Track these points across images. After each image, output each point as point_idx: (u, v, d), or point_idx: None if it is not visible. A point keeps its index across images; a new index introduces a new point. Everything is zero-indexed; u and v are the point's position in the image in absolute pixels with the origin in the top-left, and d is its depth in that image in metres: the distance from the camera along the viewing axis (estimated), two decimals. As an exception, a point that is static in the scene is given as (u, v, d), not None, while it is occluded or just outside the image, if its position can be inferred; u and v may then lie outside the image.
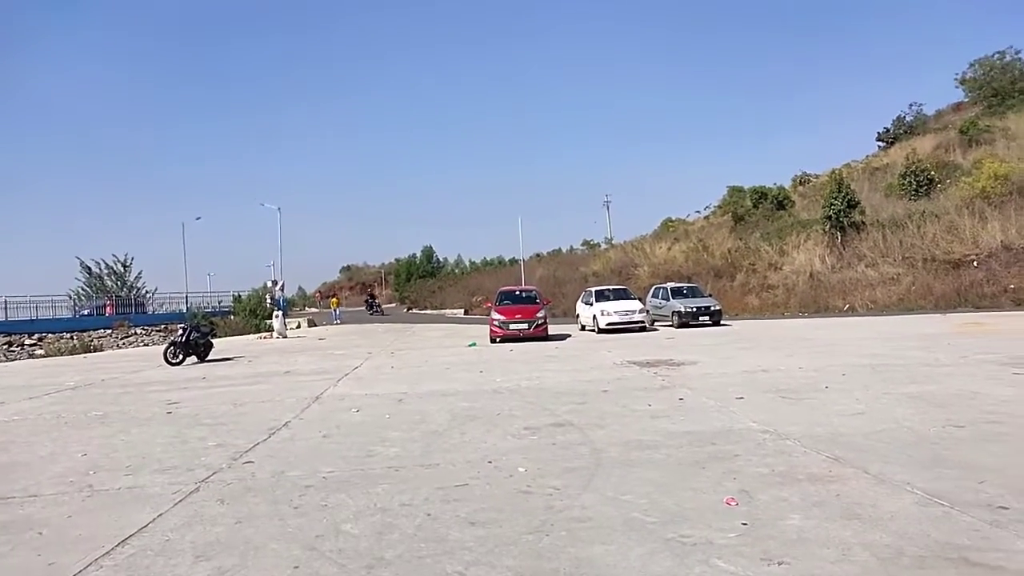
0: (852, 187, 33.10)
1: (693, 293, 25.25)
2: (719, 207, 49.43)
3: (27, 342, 36.64)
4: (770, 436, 6.18)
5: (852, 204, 31.02)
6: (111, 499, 5.12)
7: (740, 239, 37.67)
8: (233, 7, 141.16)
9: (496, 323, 20.27)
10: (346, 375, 12.79)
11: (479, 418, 7.75)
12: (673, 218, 55.86)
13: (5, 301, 39.37)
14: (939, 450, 5.43)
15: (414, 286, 72.04)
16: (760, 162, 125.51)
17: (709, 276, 34.80)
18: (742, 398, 8.21)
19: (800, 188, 45.43)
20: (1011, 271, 24.82)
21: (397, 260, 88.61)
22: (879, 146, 49.29)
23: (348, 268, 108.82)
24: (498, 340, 19.86)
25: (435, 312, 53.73)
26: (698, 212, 55.47)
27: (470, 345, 19.25)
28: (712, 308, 23.50)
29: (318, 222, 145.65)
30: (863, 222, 31.10)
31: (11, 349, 35.41)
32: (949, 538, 3.59)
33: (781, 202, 39.83)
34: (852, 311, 27.35)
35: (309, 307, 75.04)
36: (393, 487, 5.06)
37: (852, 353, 12.50)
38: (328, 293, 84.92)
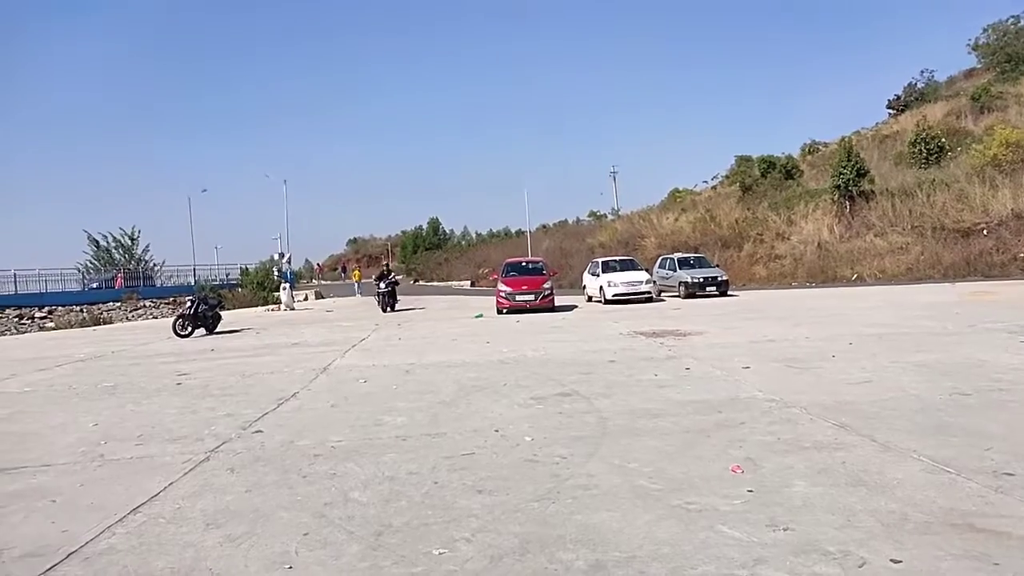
0: (861, 155, 32.75)
1: (700, 263, 25.16)
2: (727, 177, 49.05)
3: (37, 315, 36.95)
4: (776, 405, 6.19)
5: (861, 173, 30.72)
6: (122, 468, 5.18)
7: (748, 209, 37.43)
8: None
9: (502, 294, 20.26)
10: (353, 346, 12.84)
11: (486, 388, 7.78)
12: (680, 188, 55.43)
13: (15, 274, 39.64)
14: (945, 417, 5.43)
15: (421, 258, 72.20)
16: (769, 131, 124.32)
17: (716, 246, 34.67)
18: (748, 367, 8.21)
19: (809, 157, 44.98)
20: (1021, 239, 24.62)
21: (404, 232, 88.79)
22: (889, 113, 48.60)
23: (355, 240, 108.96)
24: (504, 311, 19.87)
25: (442, 284, 53.83)
26: (705, 182, 55.05)
27: (476, 316, 19.27)
28: (719, 278, 23.44)
29: (325, 194, 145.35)
30: (872, 191, 30.83)
31: (22, 322, 35.75)
32: (954, 504, 3.60)
33: (790, 171, 39.48)
34: (860, 281, 27.25)
35: (314, 279, 75.19)
36: (401, 456, 5.10)
37: (859, 322, 12.47)
38: (335, 266, 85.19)
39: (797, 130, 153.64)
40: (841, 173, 30.83)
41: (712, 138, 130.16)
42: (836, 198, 31.43)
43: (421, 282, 60.96)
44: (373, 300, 34.36)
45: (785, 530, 3.37)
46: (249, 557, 3.38)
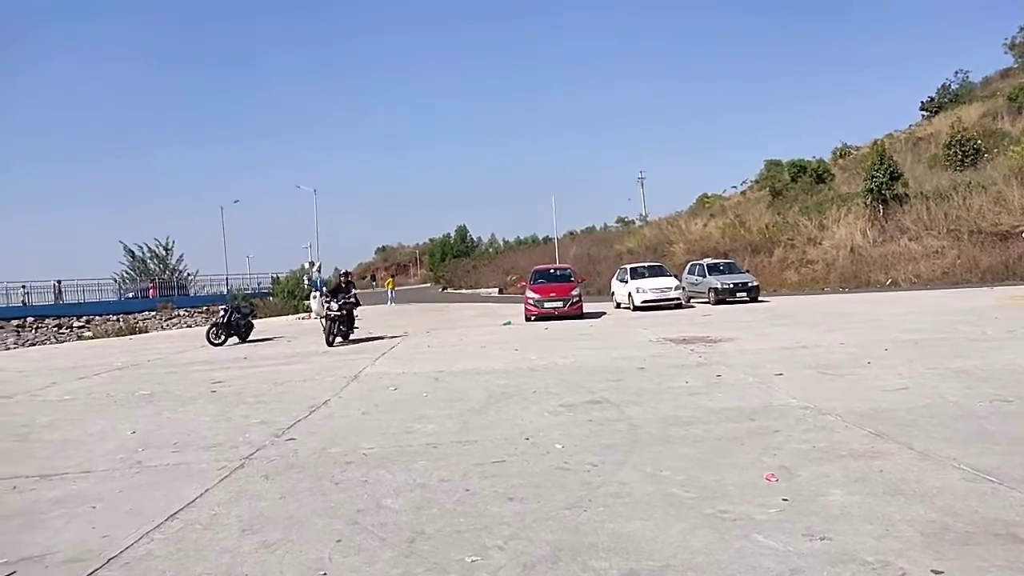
0: (895, 159, 32.21)
1: (730, 269, 24.92)
2: (756, 182, 48.70)
3: (75, 324, 37.94)
4: (810, 412, 6.10)
5: (895, 176, 30.20)
6: (160, 475, 5.27)
7: (778, 214, 37.02)
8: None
9: (531, 302, 20.27)
10: (383, 354, 12.93)
11: (515, 396, 7.78)
12: (709, 194, 55.16)
13: (55, 285, 40.64)
14: (986, 425, 5.30)
15: (449, 266, 72.53)
16: (799, 135, 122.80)
17: (746, 252, 34.31)
18: (781, 374, 8.11)
19: (840, 161, 44.41)
20: (1063, 242, 23.99)
21: (431, 240, 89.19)
22: (923, 115, 47.85)
23: (383, 249, 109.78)
24: (533, 319, 19.88)
25: (470, 292, 53.97)
26: (734, 187, 54.80)
27: (505, 324, 19.31)
28: (749, 284, 23.18)
29: (353, 203, 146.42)
30: (906, 194, 30.29)
31: (61, 331, 36.68)
32: (997, 514, 3.52)
33: (821, 175, 38.98)
34: (895, 286, 26.76)
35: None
36: (432, 463, 5.12)
37: (895, 328, 12.24)
38: (363, 275, 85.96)
39: (828, 133, 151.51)
40: (874, 176, 30.35)
41: (741, 143, 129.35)
42: (869, 202, 30.94)
43: (450, 289, 61.15)
44: (401, 309, 34.29)
45: (822, 540, 3.31)
46: (284, 563, 3.42)
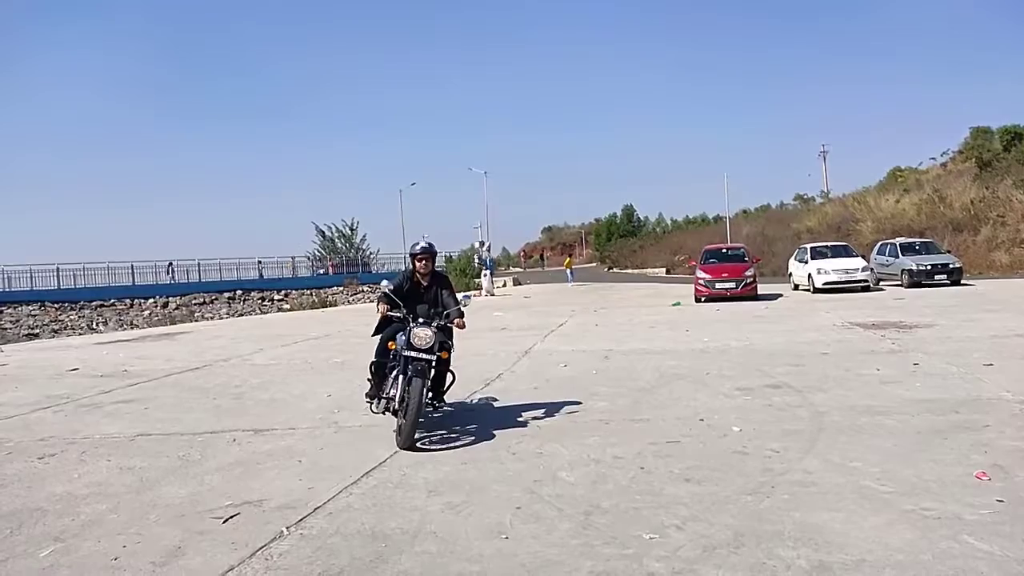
0: None
1: (927, 249, 22.66)
2: (960, 152, 43.77)
3: (276, 297, 42.52)
4: (1029, 408, 5.45)
5: None
6: (354, 435, 5.73)
7: (986, 188, 33.03)
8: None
9: (701, 282, 19.70)
10: (552, 331, 13.13)
11: (687, 377, 7.62)
12: (902, 167, 50.32)
13: (259, 262, 45.39)
14: None
15: (615, 246, 71.97)
16: (1014, 97, 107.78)
17: (946, 231, 31.02)
18: (991, 364, 7.31)
19: (1068, 125, 38.72)
20: None
21: (597, 220, 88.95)
22: None
23: (549, 229, 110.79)
24: (703, 299, 19.31)
25: (636, 271, 53.37)
26: (933, 159, 49.48)
27: (674, 304, 18.90)
28: (950, 265, 20.98)
29: (520, 183, 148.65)
30: None
31: (264, 303, 41.19)
32: None
33: (1041, 143, 34.28)
34: None
35: (513, 267, 77.73)
36: (604, 439, 5.16)
37: None
38: (531, 254, 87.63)
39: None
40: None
41: (940, 109, 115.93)
42: (1104, 172, 26.84)
43: (615, 270, 60.76)
44: (576, 288, 34.31)
45: (1047, 548, 2.97)
46: (468, 525, 3.61)
